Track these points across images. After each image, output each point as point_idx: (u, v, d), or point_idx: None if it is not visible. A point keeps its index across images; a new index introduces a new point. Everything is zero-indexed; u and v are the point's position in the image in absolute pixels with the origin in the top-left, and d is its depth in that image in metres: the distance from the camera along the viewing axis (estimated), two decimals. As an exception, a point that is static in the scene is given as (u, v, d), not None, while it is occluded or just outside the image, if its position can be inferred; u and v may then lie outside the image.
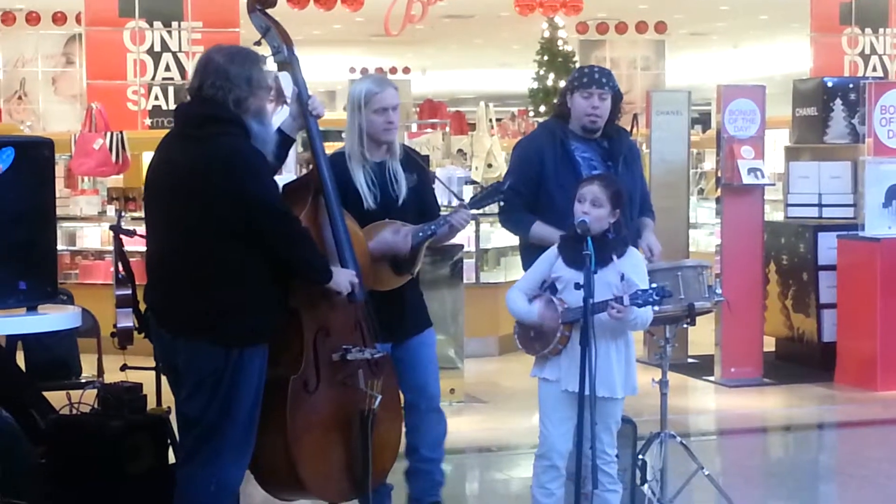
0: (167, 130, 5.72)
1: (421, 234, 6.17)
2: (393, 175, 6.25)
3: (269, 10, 6.03)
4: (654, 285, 5.86)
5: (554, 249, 6.07)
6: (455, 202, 6.65)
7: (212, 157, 5.38)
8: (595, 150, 6.70)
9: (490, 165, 15.04)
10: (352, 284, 5.71)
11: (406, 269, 6.22)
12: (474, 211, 6.44)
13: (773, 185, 12.45)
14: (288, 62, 5.97)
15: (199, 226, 5.41)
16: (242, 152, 5.42)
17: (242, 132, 5.47)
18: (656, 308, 6.10)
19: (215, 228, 5.39)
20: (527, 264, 6.73)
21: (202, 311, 5.46)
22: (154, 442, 6.53)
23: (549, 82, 25.90)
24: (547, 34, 25.77)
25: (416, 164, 6.41)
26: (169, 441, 6.61)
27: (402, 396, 6.33)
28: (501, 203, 6.35)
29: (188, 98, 5.67)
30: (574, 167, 6.60)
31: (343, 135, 6.37)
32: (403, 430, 6.32)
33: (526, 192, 6.56)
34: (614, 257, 5.91)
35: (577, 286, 5.70)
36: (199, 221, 5.40)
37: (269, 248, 5.43)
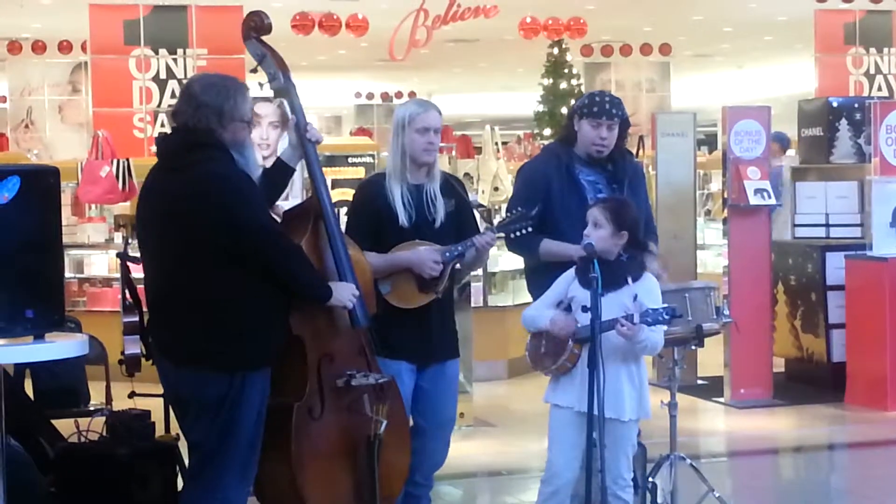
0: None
1: (448, 254, 6.18)
2: (431, 198, 6.27)
3: (265, 37, 6.02)
4: (664, 305, 5.86)
5: (572, 271, 6.08)
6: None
7: (200, 185, 5.37)
8: (600, 174, 6.71)
9: (496, 189, 15.05)
10: (354, 305, 5.71)
11: (431, 287, 6.20)
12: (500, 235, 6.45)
13: (780, 205, 12.43)
14: (284, 89, 5.97)
15: (194, 254, 5.41)
16: (230, 178, 5.41)
17: (226, 156, 5.46)
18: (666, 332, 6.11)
19: (209, 255, 5.39)
20: (532, 287, 6.74)
21: (203, 339, 5.46)
22: (162, 469, 6.53)
23: (554, 95, 25.93)
24: (555, 53, 25.77)
25: (454, 190, 6.42)
26: (178, 468, 6.60)
27: (410, 420, 6.33)
28: (530, 229, 6.33)
29: (172, 124, 5.68)
30: (579, 191, 6.61)
31: (385, 155, 6.46)
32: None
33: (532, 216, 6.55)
34: (629, 280, 5.92)
35: (585, 309, 5.72)
36: (193, 249, 5.41)
37: (264, 271, 5.44)
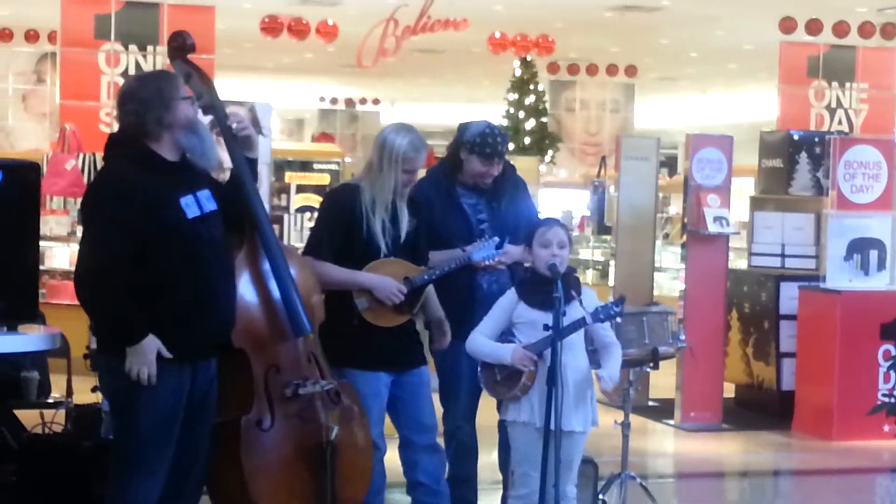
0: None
1: (427, 277, 6.34)
2: (399, 215, 6.40)
3: (189, 56, 6.09)
4: (611, 301, 6.03)
5: (511, 295, 6.18)
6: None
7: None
8: (480, 197, 6.92)
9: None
10: (294, 318, 5.78)
11: (406, 309, 6.34)
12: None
13: (738, 233, 12.60)
14: (211, 105, 6.01)
15: None
16: (101, 176, 5.56)
17: (135, 153, 5.46)
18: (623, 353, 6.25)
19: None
20: None
21: (102, 328, 5.56)
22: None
23: (521, 115, 26.08)
24: (519, 72, 25.92)
25: (417, 211, 6.54)
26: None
27: (396, 433, 6.50)
28: (495, 259, 6.49)
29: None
30: (462, 215, 6.84)
31: (361, 174, 6.52)
32: (378, 457, 6.35)
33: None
34: (574, 293, 6.06)
35: (546, 327, 5.82)
36: None
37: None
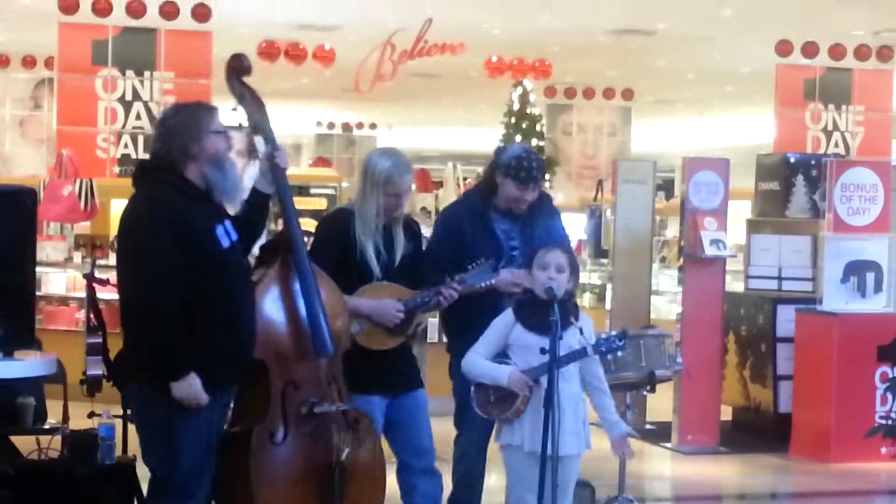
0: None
1: (420, 300, 6.34)
2: (394, 239, 6.42)
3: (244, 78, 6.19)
4: (612, 332, 6.01)
5: (508, 315, 6.17)
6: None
7: (129, 203, 5.48)
8: (513, 223, 6.89)
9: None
10: (318, 337, 5.78)
11: (399, 332, 6.36)
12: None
13: (735, 256, 12.60)
14: (261, 126, 6.09)
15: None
16: (140, 201, 5.47)
17: (174, 179, 5.48)
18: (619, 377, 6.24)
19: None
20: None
21: (128, 353, 5.54)
22: (121, 489, 6.58)
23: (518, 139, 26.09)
24: (516, 97, 25.92)
25: (413, 233, 6.56)
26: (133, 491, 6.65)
27: (394, 456, 6.51)
28: (492, 282, 6.47)
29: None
30: (495, 240, 6.80)
31: (353, 199, 6.54)
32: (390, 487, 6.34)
33: (448, 266, 6.65)
34: (573, 319, 6.05)
35: (543, 351, 5.82)
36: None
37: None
